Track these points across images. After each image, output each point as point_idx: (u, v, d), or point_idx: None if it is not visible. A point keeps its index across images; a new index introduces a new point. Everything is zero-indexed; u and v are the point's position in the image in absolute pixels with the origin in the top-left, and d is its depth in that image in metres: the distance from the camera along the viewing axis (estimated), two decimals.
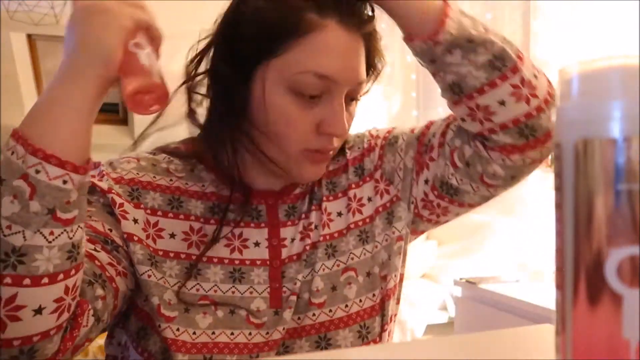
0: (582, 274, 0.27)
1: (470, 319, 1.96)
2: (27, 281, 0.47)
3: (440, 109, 3.37)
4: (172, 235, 0.66)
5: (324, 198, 0.73)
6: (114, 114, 4.45)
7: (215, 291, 0.66)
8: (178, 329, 0.63)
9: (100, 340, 1.41)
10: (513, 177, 0.68)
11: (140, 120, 4.29)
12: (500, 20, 2.87)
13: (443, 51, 0.62)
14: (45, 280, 0.48)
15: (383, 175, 0.75)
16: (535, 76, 0.64)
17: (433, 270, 2.90)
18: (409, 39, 0.63)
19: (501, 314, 1.75)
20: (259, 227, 0.70)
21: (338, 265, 0.70)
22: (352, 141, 0.78)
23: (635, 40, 1.87)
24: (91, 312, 0.56)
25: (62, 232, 0.49)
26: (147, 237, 0.65)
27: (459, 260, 2.80)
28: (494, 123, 0.63)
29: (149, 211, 0.66)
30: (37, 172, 0.48)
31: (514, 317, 1.69)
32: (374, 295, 0.70)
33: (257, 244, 0.69)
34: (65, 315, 0.51)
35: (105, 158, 0.73)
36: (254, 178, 0.71)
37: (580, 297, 0.27)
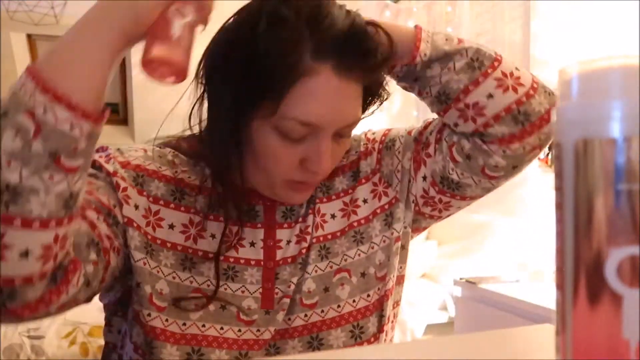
0: (582, 274, 0.27)
1: (470, 319, 1.96)
2: (17, 222, 0.45)
3: None
4: (171, 226, 0.67)
5: (317, 200, 0.73)
6: (114, 114, 4.46)
7: (208, 286, 0.66)
8: (167, 320, 0.63)
9: (101, 340, 1.41)
10: (515, 166, 0.68)
11: (140, 121, 4.28)
12: (500, 20, 2.87)
13: (422, 68, 0.66)
14: (37, 224, 0.46)
15: (382, 178, 0.75)
16: (517, 69, 0.67)
17: (433, 270, 2.90)
18: (390, 67, 0.68)
19: (501, 314, 1.75)
20: (256, 227, 0.70)
21: (331, 267, 0.70)
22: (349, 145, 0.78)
23: (635, 40, 1.86)
24: (82, 272, 0.54)
25: (62, 179, 0.47)
26: (147, 224, 0.65)
27: (459, 260, 2.80)
28: (486, 116, 0.65)
29: (151, 199, 0.67)
30: (45, 111, 0.45)
31: (514, 317, 1.69)
32: (368, 295, 0.70)
33: (252, 244, 0.69)
34: (50, 264, 0.49)
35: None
36: (253, 178, 0.70)
37: (580, 297, 0.27)
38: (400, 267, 0.75)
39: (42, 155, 0.45)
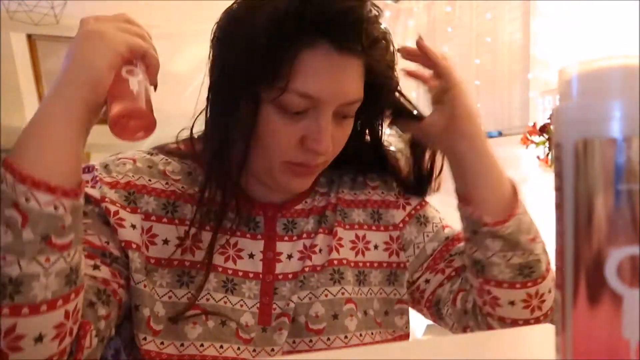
0: (582, 274, 0.27)
1: None
2: (25, 310, 0.47)
3: None
4: (166, 242, 0.65)
5: (337, 223, 0.72)
6: None
7: (208, 300, 0.64)
8: (162, 343, 0.61)
9: None
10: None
11: None
12: (500, 20, 2.87)
13: (489, 235, 0.65)
14: (44, 307, 0.48)
15: (399, 238, 0.75)
16: (550, 291, 0.67)
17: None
18: (465, 203, 0.67)
19: None
20: (255, 239, 0.69)
21: (342, 294, 0.68)
22: (377, 180, 0.78)
23: (635, 40, 1.86)
24: (94, 332, 0.55)
25: (58, 258, 0.48)
26: (142, 243, 0.64)
27: None
28: (494, 312, 0.67)
29: (143, 216, 0.65)
30: (27, 200, 0.47)
31: None
32: (372, 333, 0.70)
33: (251, 256, 0.68)
34: (68, 340, 0.51)
35: (105, 158, 0.72)
36: (254, 188, 0.70)
37: (580, 297, 0.27)
38: (394, 331, 0.74)
39: (33, 241, 0.47)
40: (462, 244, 0.74)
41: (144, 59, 0.56)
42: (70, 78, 0.52)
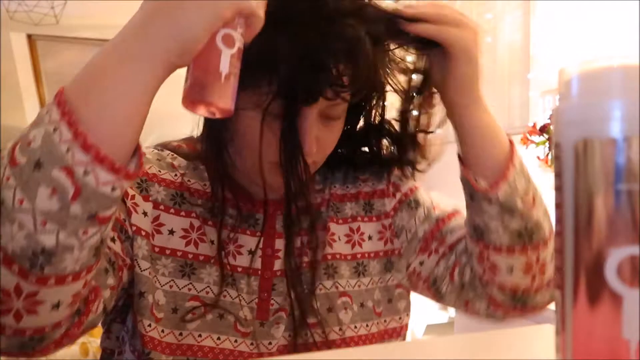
0: (582, 274, 0.27)
1: (471, 319, 1.95)
2: (52, 281, 0.44)
3: (440, 109, 3.36)
4: (171, 232, 0.66)
5: (330, 219, 0.72)
6: None
7: (207, 292, 0.65)
8: (163, 331, 0.62)
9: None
10: (490, 321, 0.72)
11: None
12: (500, 20, 2.87)
13: (484, 199, 0.63)
14: (70, 278, 0.45)
15: (392, 225, 0.75)
16: (552, 258, 0.66)
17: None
18: (464, 166, 0.66)
19: None
20: (255, 235, 0.69)
21: (336, 288, 0.69)
22: (368, 174, 0.78)
23: (635, 40, 1.86)
24: (102, 299, 0.55)
25: (96, 232, 0.45)
26: (150, 231, 0.65)
27: None
28: (494, 280, 0.66)
29: (152, 204, 0.65)
30: (86, 173, 0.42)
31: None
32: (367, 325, 0.70)
33: (250, 252, 0.68)
34: (77, 305, 0.49)
35: None
36: (254, 186, 0.69)
37: (580, 297, 0.27)
38: (400, 318, 0.75)
39: (80, 217, 0.43)
40: (452, 222, 0.74)
41: (247, 20, 0.47)
42: (160, 33, 0.43)
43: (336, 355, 0.58)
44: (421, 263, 0.73)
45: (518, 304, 0.67)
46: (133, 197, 0.64)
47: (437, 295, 0.74)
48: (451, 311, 2.54)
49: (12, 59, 3.77)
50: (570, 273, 0.27)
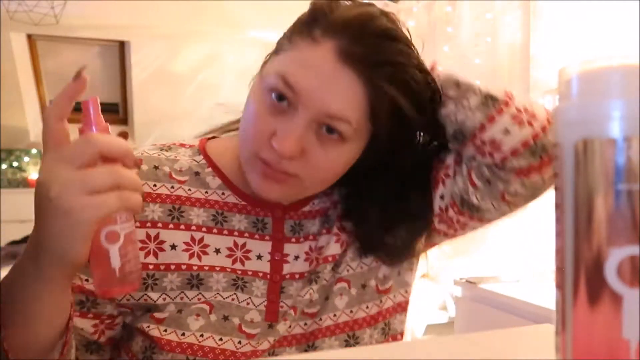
0: (582, 274, 0.27)
1: (470, 319, 1.95)
2: None
3: None
4: (173, 247, 0.65)
5: (337, 219, 0.72)
6: (114, 113, 4.46)
7: (216, 297, 0.65)
8: (166, 330, 0.62)
9: None
10: (533, 194, 0.69)
11: (140, 121, 4.29)
12: (500, 20, 2.87)
13: (443, 85, 0.65)
14: None
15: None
16: (530, 104, 0.66)
17: (433, 270, 2.90)
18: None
19: (501, 314, 1.75)
20: (263, 240, 0.69)
21: (333, 277, 0.70)
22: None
23: (635, 40, 1.86)
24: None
25: None
26: (148, 253, 0.64)
27: (459, 260, 2.80)
28: (503, 152, 0.64)
29: (149, 224, 0.65)
30: None
31: (514, 317, 1.69)
32: (367, 307, 0.70)
33: (259, 257, 0.68)
34: None
35: None
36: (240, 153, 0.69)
37: (580, 297, 0.27)
38: (406, 291, 0.74)
39: None
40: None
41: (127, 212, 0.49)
42: (46, 260, 0.48)
43: (336, 355, 0.58)
44: (441, 197, 0.71)
45: (542, 155, 0.64)
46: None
47: (474, 211, 0.70)
48: (451, 311, 2.54)
49: (12, 59, 3.77)
50: (570, 273, 0.27)
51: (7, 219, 3.78)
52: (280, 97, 0.60)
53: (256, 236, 0.69)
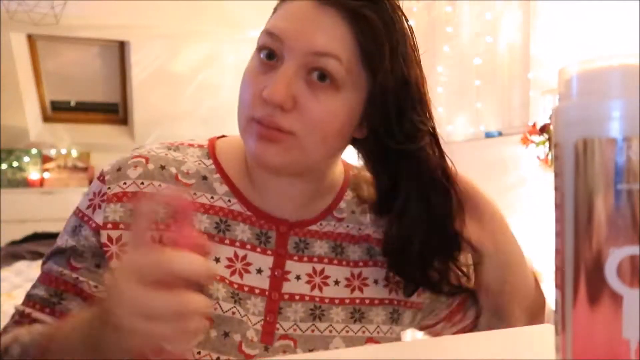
0: (582, 274, 0.27)
1: None
2: None
3: (440, 109, 3.36)
4: None
5: (362, 263, 0.70)
6: (114, 114, 4.46)
7: (215, 309, 0.62)
8: None
9: None
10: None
11: (140, 121, 4.29)
12: (500, 20, 2.87)
13: None
14: None
15: (395, 276, 0.71)
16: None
17: None
18: None
19: None
20: (265, 254, 0.66)
21: (363, 332, 0.68)
22: (374, 218, 0.72)
23: (635, 40, 1.86)
24: None
25: None
26: None
27: None
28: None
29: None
30: None
31: None
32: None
33: (259, 271, 0.66)
34: None
35: (105, 158, 0.71)
36: (268, 201, 0.68)
37: (580, 297, 0.27)
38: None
39: None
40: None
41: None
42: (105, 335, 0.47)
43: (336, 355, 0.58)
44: (442, 328, 0.76)
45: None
46: (119, 239, 0.63)
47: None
48: None
49: (12, 59, 3.77)
50: (570, 273, 0.27)
51: (7, 219, 3.78)
52: (270, 55, 0.60)
53: (258, 249, 0.66)
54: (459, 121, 3.20)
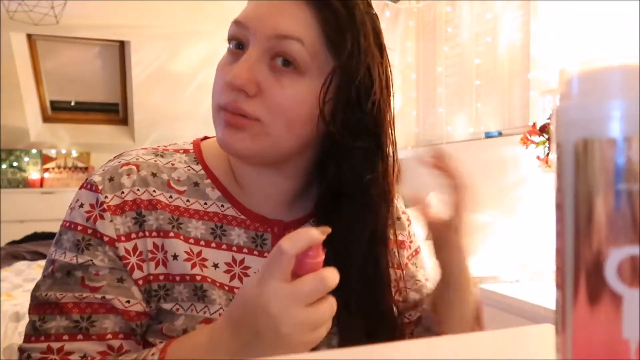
0: (582, 274, 0.27)
1: None
2: None
3: (440, 109, 3.36)
4: (175, 257, 0.62)
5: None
6: (114, 114, 4.46)
7: (220, 314, 0.62)
8: (161, 342, 0.60)
9: None
10: None
11: (140, 121, 4.29)
12: (500, 20, 2.87)
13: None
14: None
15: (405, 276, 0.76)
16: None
17: (433, 270, 2.90)
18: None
19: (501, 314, 1.75)
20: (263, 257, 0.66)
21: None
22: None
23: (635, 40, 1.86)
24: None
25: None
26: (157, 263, 0.62)
27: None
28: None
29: (154, 234, 0.62)
30: None
31: (514, 317, 1.69)
32: None
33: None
34: None
35: (105, 158, 0.71)
36: (261, 204, 0.68)
37: (580, 297, 0.27)
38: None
39: None
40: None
41: None
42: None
43: (336, 355, 0.58)
44: None
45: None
46: (135, 250, 0.62)
47: None
48: None
49: (12, 59, 3.77)
50: (571, 273, 0.27)
51: (7, 219, 3.78)
52: (239, 45, 0.61)
53: (255, 252, 0.66)
54: (459, 121, 3.20)
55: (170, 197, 0.65)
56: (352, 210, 0.65)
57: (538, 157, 1.83)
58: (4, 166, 4.18)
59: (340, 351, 0.64)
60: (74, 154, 4.37)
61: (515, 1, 2.76)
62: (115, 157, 0.67)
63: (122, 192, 0.62)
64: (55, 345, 0.58)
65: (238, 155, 0.62)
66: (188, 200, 0.65)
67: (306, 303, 0.48)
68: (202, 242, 0.64)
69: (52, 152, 4.32)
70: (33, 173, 4.25)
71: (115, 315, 0.60)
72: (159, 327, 0.62)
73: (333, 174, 0.65)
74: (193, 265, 0.63)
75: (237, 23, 0.61)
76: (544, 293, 1.71)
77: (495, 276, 1.95)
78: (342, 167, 0.64)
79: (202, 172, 0.68)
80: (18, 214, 3.88)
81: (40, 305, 0.60)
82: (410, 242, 0.80)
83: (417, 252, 0.80)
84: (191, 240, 0.64)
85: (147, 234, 0.62)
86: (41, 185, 4.25)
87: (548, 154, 1.77)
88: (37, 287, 0.61)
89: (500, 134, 2.81)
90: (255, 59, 0.58)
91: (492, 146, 2.76)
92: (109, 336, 0.59)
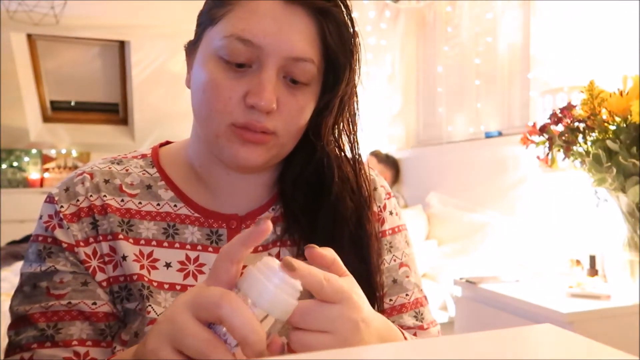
0: None
1: (470, 319, 1.95)
2: None
3: (440, 109, 3.36)
4: (124, 257, 0.63)
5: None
6: (114, 114, 4.46)
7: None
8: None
9: None
10: None
11: (140, 121, 4.29)
12: (500, 20, 2.87)
13: None
14: None
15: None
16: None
17: (433, 270, 2.90)
18: None
19: (501, 314, 1.75)
20: (218, 252, 0.66)
21: None
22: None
23: (636, 41, 1.87)
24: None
25: None
26: (115, 266, 0.63)
27: (459, 260, 2.80)
28: None
29: (109, 237, 0.64)
30: None
31: (514, 317, 1.69)
32: None
33: None
34: None
35: (67, 178, 0.71)
36: (216, 199, 0.68)
37: None
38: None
39: None
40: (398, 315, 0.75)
41: None
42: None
43: (336, 355, 0.58)
44: None
45: None
46: (95, 254, 0.63)
47: None
48: (451, 311, 2.54)
49: (12, 59, 3.77)
50: None
51: (7, 219, 3.79)
52: (239, 63, 0.59)
53: (210, 249, 0.66)
54: (459, 121, 3.20)
55: (122, 200, 0.66)
56: (317, 198, 0.67)
57: (538, 157, 1.83)
58: (4, 166, 4.18)
59: (340, 351, 0.64)
60: (74, 153, 4.37)
61: (515, 1, 2.76)
62: (77, 169, 0.70)
63: (77, 200, 0.64)
64: (26, 355, 0.59)
65: (251, 168, 0.63)
66: (140, 203, 0.66)
67: (197, 315, 0.40)
68: (154, 242, 0.65)
69: (52, 152, 4.32)
70: (33, 173, 4.25)
71: (82, 322, 0.61)
72: (127, 327, 0.62)
73: (300, 167, 0.68)
74: (141, 267, 0.63)
75: (242, 40, 0.58)
76: (544, 293, 1.71)
77: (495, 276, 1.95)
78: (309, 161, 0.68)
79: (157, 174, 0.69)
80: (18, 214, 3.88)
81: (15, 321, 0.62)
82: (380, 216, 0.75)
83: (394, 231, 0.75)
84: (142, 242, 0.64)
85: (101, 238, 0.64)
86: (41, 185, 4.25)
87: (548, 154, 1.77)
88: (11, 302, 0.63)
89: (500, 134, 2.81)
90: (275, 77, 0.59)
91: (492, 146, 2.76)
92: (75, 342, 0.60)
